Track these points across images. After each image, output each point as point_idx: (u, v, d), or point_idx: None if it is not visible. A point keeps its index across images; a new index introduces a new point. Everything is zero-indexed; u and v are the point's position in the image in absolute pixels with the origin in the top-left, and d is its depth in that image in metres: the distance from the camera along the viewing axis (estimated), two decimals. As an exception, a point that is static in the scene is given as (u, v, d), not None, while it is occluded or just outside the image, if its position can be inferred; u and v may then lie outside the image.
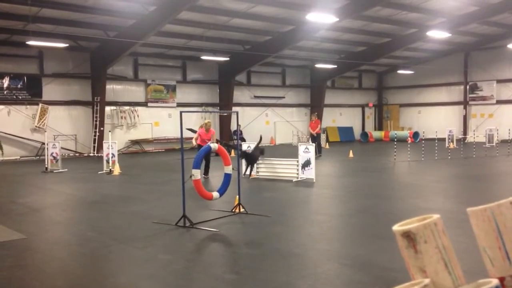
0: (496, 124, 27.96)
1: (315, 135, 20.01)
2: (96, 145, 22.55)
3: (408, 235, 0.88)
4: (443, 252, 0.87)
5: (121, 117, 24.63)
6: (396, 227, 0.91)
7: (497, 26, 25.76)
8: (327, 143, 27.79)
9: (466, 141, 27.49)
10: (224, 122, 27.75)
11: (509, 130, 24.01)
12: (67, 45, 20.72)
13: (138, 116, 25.06)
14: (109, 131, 18.15)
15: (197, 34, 22.25)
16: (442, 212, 7.96)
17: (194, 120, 26.23)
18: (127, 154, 23.47)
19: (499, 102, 29.78)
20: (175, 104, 26.26)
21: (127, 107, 24.80)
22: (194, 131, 21.49)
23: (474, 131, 28.81)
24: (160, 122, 25.92)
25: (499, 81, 29.67)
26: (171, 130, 25.49)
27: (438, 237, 0.88)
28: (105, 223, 7.84)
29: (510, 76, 29.07)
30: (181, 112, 7.46)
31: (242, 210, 8.20)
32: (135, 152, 24.45)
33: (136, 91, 25.36)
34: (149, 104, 25.61)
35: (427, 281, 0.82)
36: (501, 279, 0.87)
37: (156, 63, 25.82)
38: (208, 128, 13.46)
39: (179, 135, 7.92)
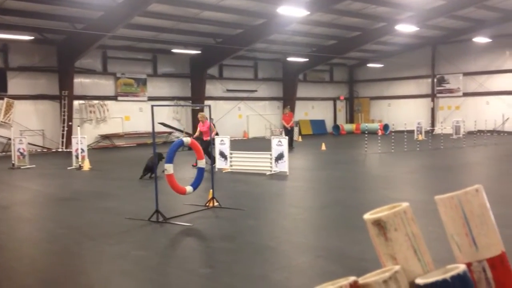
0: (462, 116, 28.76)
1: (289, 128, 20.11)
2: (64, 140, 22.05)
3: (379, 223, 0.90)
4: (412, 240, 0.90)
5: (90, 112, 24.14)
6: (367, 216, 0.93)
7: (463, 20, 26.40)
8: (299, 136, 27.99)
9: (434, 132, 28.16)
10: (197, 116, 27.55)
11: (475, 121, 24.74)
12: (32, 37, 20.12)
13: (107, 110, 24.60)
14: (78, 126, 17.76)
15: (168, 26, 21.97)
16: (411, 202, 8.11)
17: (166, 114, 26.00)
18: (97, 149, 23.06)
19: (465, 94, 30.59)
20: (146, 98, 25.90)
21: (96, 101, 24.32)
22: (166, 125, 21.41)
23: (441, 123, 29.54)
24: (131, 116, 25.53)
25: (465, 74, 30.45)
26: (143, 124, 25.14)
27: (408, 225, 0.90)
28: (76, 219, 7.70)
29: (475, 69, 29.88)
30: (152, 106, 7.37)
31: (216, 204, 8.19)
32: (105, 147, 24.04)
33: (105, 85, 24.88)
34: (119, 98, 25.17)
35: (397, 267, 0.85)
36: (468, 265, 0.91)
37: (125, 56, 25.36)
38: (202, 120, 13.65)
39: (150, 129, 7.83)
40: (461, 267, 0.83)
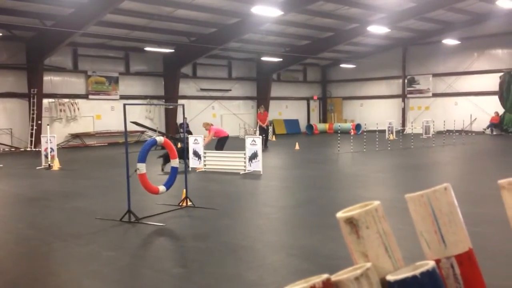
0: (432, 116, 29.42)
1: (264, 127, 20.18)
2: (33, 139, 21.51)
3: (351, 221, 0.92)
4: (383, 237, 0.91)
5: (60, 110, 23.63)
6: (340, 214, 0.94)
7: (433, 22, 27.03)
8: (273, 136, 28.09)
9: (404, 132, 28.73)
10: (170, 115, 27.34)
11: (444, 122, 25.36)
12: (0, 34, 19.53)
13: (78, 109, 24.13)
14: (48, 125, 17.37)
15: (141, 24, 21.70)
16: (383, 200, 8.26)
17: (138, 113, 25.66)
18: (67, 148, 22.59)
19: (434, 95, 31.31)
20: (118, 97, 25.52)
21: (66, 100, 23.82)
22: (139, 125, 21.13)
23: (412, 123, 30.16)
24: (102, 115, 25.11)
25: (434, 75, 31.17)
26: (114, 123, 24.76)
27: (379, 223, 0.92)
28: (45, 220, 7.52)
29: (444, 70, 30.61)
30: (124, 105, 7.27)
31: (189, 203, 8.14)
32: (75, 146, 23.57)
33: (76, 83, 24.39)
34: (90, 97, 24.72)
35: (368, 265, 0.86)
36: (437, 261, 0.93)
37: (97, 54, 24.92)
38: (207, 128, 14.94)
39: (122, 129, 7.72)
40: (430, 264, 0.85)
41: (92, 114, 24.78)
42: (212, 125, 15.29)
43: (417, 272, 0.83)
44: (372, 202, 0.94)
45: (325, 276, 0.84)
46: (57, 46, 20.51)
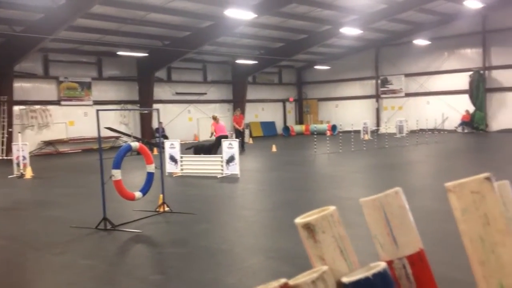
0: (405, 115, 29.97)
1: (241, 130, 20.25)
2: (4, 147, 21.02)
3: (308, 227, 0.96)
4: (339, 241, 0.96)
5: (32, 117, 23.15)
6: (298, 220, 0.99)
7: (404, 23, 27.57)
8: (250, 138, 28.13)
9: (379, 132, 29.17)
10: (145, 119, 27.10)
11: (417, 121, 25.87)
12: (-33, 40, 19.06)
13: (50, 115, 23.69)
14: (19, 132, 16.99)
15: (113, 29, 21.46)
16: (358, 200, 8.42)
17: (113, 118, 25.35)
18: (40, 156, 22.15)
19: (407, 95, 31.88)
20: (91, 102, 25.16)
21: (38, 106, 23.36)
22: (113, 130, 20.87)
23: (386, 122, 30.65)
24: (75, 121, 24.70)
25: (407, 75, 31.75)
26: (88, 129, 24.36)
27: (334, 227, 0.97)
28: (18, 230, 7.38)
29: (416, 70, 31.22)
30: (97, 111, 7.20)
31: (166, 209, 8.11)
32: (49, 153, 23.14)
33: (47, 89, 23.94)
34: (62, 103, 24.30)
35: (325, 268, 0.91)
36: (390, 262, 0.98)
37: (68, 59, 24.51)
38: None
39: (96, 135, 7.65)
40: (381, 265, 0.90)
41: (65, 120, 24.36)
42: (215, 120, 15.88)
43: (369, 273, 0.87)
44: (328, 207, 0.99)
45: (283, 280, 0.88)
46: (27, 52, 20.10)
